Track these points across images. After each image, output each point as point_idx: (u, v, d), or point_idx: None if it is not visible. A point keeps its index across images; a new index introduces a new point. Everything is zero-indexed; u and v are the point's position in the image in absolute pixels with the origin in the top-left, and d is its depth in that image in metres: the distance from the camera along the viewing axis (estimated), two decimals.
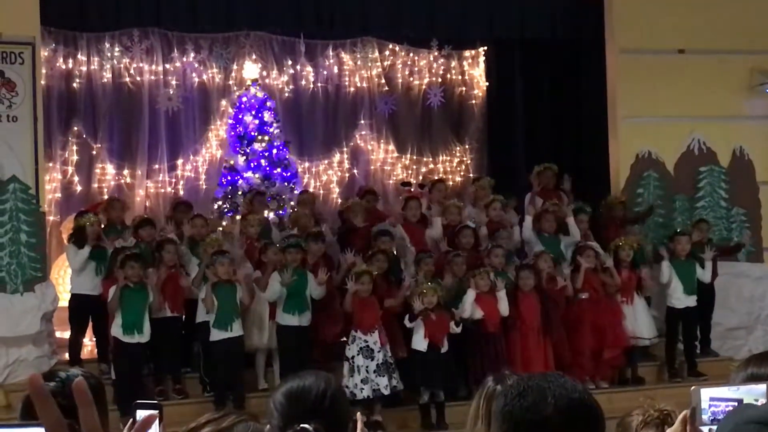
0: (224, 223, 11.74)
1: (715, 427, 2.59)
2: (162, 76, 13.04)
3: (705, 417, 2.61)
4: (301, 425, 2.71)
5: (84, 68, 12.78)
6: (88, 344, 10.85)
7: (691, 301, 11.13)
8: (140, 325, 9.61)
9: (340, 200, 13.40)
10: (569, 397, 2.09)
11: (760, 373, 2.86)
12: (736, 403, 2.60)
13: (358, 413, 3.03)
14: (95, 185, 12.84)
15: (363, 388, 9.57)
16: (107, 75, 12.85)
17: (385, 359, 9.73)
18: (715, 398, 2.62)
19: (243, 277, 9.99)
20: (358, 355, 9.67)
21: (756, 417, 2.27)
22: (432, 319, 9.74)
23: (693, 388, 2.62)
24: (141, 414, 2.50)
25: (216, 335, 9.72)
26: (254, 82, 12.78)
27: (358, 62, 13.81)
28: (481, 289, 10.07)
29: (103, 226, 10.52)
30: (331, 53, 13.73)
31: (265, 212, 11.67)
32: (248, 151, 12.33)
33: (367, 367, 9.63)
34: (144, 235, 10.51)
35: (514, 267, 10.64)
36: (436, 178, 13.11)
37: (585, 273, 10.69)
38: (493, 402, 3.33)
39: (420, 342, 9.75)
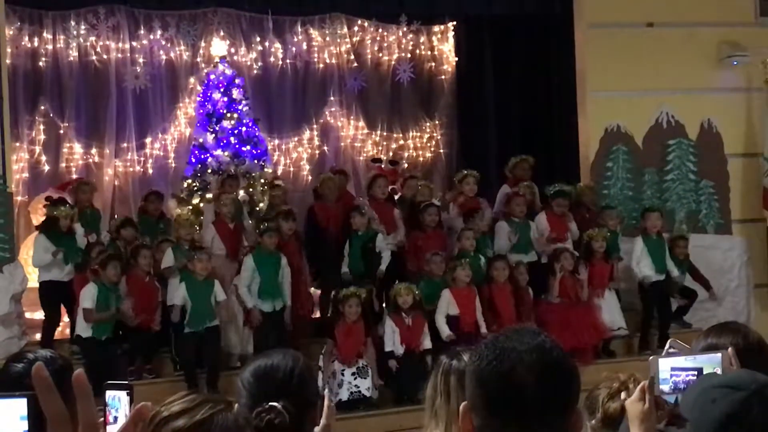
0: (194, 201, 11.73)
1: (678, 395, 2.65)
2: (129, 54, 12.95)
3: (666, 387, 2.67)
4: (270, 404, 2.73)
5: (50, 47, 12.68)
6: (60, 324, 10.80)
7: (660, 276, 11.19)
8: (110, 327, 9.63)
9: (310, 177, 13.40)
10: (546, 358, 2.08)
11: (719, 343, 2.94)
12: (696, 372, 2.66)
13: (326, 390, 3.05)
14: (63, 165, 12.77)
15: (337, 393, 9.31)
16: (73, 53, 12.75)
17: (364, 364, 9.58)
18: (676, 368, 2.69)
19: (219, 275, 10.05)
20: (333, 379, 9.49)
21: (722, 382, 2.33)
22: (407, 324, 9.67)
23: (651, 358, 2.68)
24: (110, 395, 2.49)
25: (188, 329, 9.73)
26: (222, 59, 12.70)
27: (327, 38, 13.76)
28: (462, 280, 10.00)
29: (74, 207, 10.46)
30: (299, 29, 13.68)
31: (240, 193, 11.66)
32: (217, 128, 12.27)
33: (342, 371, 9.52)
34: (125, 235, 10.45)
35: (486, 260, 10.60)
36: (408, 175, 12.64)
37: (563, 277, 10.65)
38: (450, 377, 3.36)
39: (397, 348, 9.69)
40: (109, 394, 2.44)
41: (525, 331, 2.14)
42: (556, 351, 2.10)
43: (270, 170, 12.40)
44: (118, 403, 2.40)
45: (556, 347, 2.12)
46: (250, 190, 12.00)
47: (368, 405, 9.60)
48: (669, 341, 3.00)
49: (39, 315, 10.58)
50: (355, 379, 9.51)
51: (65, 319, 10.68)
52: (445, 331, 9.90)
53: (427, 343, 9.77)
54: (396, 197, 11.63)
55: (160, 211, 11.29)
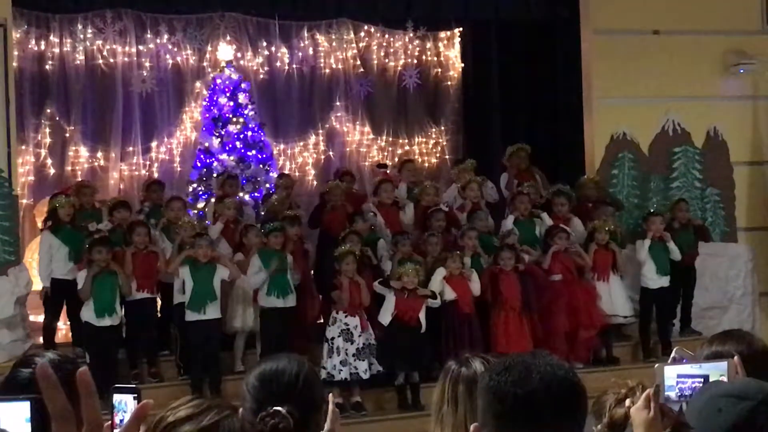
0: (200, 205, 11.76)
1: (684, 403, 2.65)
2: (135, 58, 12.97)
3: (673, 393, 2.67)
4: (274, 408, 2.73)
5: (56, 50, 12.69)
6: (62, 328, 10.83)
7: (665, 281, 11.23)
8: (111, 308, 9.62)
9: (315, 182, 13.41)
10: (554, 374, 2.12)
11: (724, 351, 2.94)
12: (702, 380, 2.66)
13: (330, 395, 3.05)
14: (69, 168, 12.77)
15: (341, 370, 9.61)
16: (80, 57, 12.77)
17: (368, 342, 9.77)
18: (682, 375, 2.69)
19: (224, 257, 10.05)
20: (338, 337, 9.71)
21: (729, 391, 2.33)
22: (404, 298, 9.79)
23: (657, 366, 2.68)
24: (117, 398, 2.49)
25: (190, 316, 9.73)
26: (229, 63, 12.74)
27: (334, 44, 13.77)
28: (451, 272, 10.12)
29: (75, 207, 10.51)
30: (306, 35, 13.69)
31: (239, 195, 11.69)
32: (223, 133, 12.31)
33: (346, 350, 9.66)
34: (118, 217, 10.48)
35: (493, 249, 10.67)
36: (404, 158, 13.11)
37: (558, 255, 10.78)
38: (459, 385, 3.35)
39: (385, 316, 9.81)
40: (117, 398, 2.44)
41: (533, 352, 2.22)
42: (563, 367, 2.17)
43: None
44: (125, 406, 2.40)
45: (564, 365, 2.19)
46: (255, 194, 12.03)
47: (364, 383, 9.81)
48: (675, 349, 3.00)
49: (43, 317, 10.59)
50: (355, 360, 9.63)
51: (65, 323, 10.72)
52: (446, 293, 10.09)
53: (423, 324, 9.89)
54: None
55: (162, 200, 11.28)
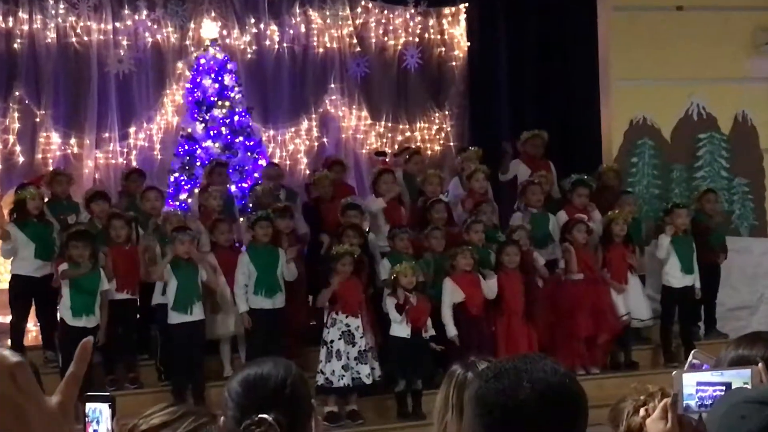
0: (182, 196, 11.76)
1: (704, 413, 2.65)
2: (112, 36, 12.97)
3: (692, 403, 2.66)
4: (260, 416, 2.73)
5: (26, 27, 12.70)
6: (33, 330, 10.83)
7: (689, 280, 11.18)
8: (91, 307, 9.60)
9: (308, 171, 13.41)
10: (548, 381, 2.10)
11: (751, 355, 2.92)
12: (723, 387, 2.66)
13: (313, 401, 3.04)
14: (39, 156, 12.79)
15: (343, 376, 9.59)
16: (51, 35, 12.77)
17: (369, 345, 9.78)
18: (702, 383, 2.68)
19: (203, 257, 10.02)
20: (339, 339, 9.70)
21: (752, 397, 2.32)
22: (412, 303, 9.75)
23: (675, 373, 2.67)
24: (91, 407, 2.50)
25: (174, 318, 9.73)
26: (213, 42, 12.73)
27: (328, 20, 13.77)
28: (462, 268, 10.09)
29: (46, 200, 10.49)
30: (297, 11, 13.69)
31: (228, 185, 11.68)
32: (207, 117, 12.30)
33: (347, 353, 9.65)
34: (96, 209, 10.47)
35: (497, 244, 10.65)
36: (413, 147, 13.09)
37: (578, 251, 10.71)
38: (464, 390, 3.35)
39: (402, 328, 9.77)
40: (90, 407, 2.44)
41: (530, 356, 2.21)
42: (559, 373, 2.15)
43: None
44: (100, 415, 2.41)
45: (560, 370, 2.17)
46: (243, 185, 12.03)
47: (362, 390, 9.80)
48: (692, 353, 2.99)
49: (9, 318, 10.59)
50: (357, 364, 9.66)
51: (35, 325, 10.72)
52: (451, 329, 9.98)
53: (431, 330, 9.89)
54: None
55: (143, 190, 11.26)
